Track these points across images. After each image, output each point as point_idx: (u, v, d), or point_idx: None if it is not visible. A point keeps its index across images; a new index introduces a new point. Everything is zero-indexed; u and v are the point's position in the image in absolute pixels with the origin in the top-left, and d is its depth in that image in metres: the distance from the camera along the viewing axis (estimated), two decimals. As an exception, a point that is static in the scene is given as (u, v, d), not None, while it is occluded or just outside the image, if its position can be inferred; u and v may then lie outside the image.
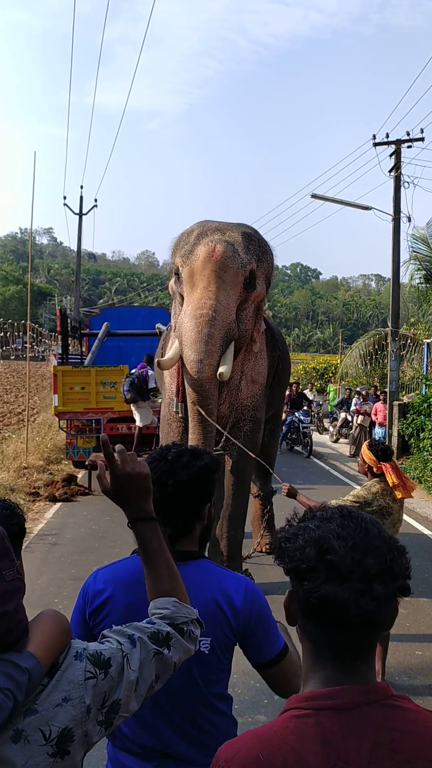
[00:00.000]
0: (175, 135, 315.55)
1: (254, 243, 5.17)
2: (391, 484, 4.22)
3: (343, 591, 1.02)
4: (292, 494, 4.04)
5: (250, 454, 5.13)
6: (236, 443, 5.16)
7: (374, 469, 4.30)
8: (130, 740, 1.69)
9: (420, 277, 16.86)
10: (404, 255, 14.83)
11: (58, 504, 9.20)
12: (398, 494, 4.22)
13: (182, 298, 5.09)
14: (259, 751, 1.00)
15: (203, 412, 4.82)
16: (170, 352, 5.15)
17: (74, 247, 29.31)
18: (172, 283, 5.36)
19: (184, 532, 1.76)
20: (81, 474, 10.82)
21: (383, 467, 4.26)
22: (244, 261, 4.94)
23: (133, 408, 9.75)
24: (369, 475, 4.36)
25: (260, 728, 1.08)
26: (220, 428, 5.01)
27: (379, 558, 1.05)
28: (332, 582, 1.03)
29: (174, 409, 5.49)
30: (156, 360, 5.36)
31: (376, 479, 4.29)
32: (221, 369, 4.76)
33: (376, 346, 18.93)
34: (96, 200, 25.86)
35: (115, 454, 1.41)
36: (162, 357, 6.25)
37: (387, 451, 4.34)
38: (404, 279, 16.25)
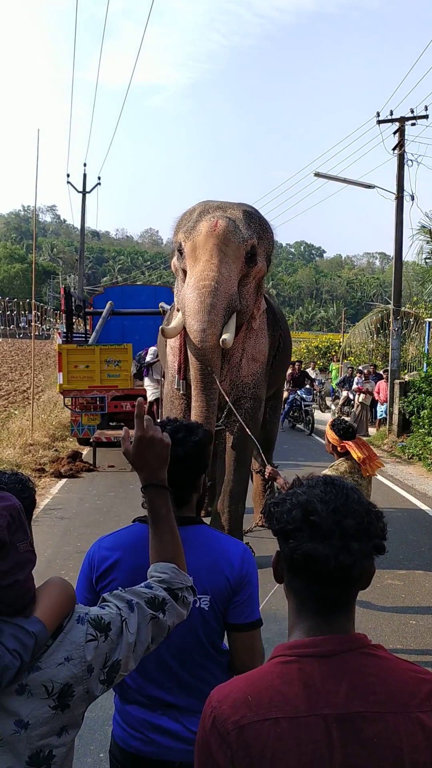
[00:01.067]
0: (178, 111, 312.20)
1: (255, 221, 5.27)
2: (357, 459, 4.32)
3: (324, 547, 1.13)
4: (272, 477, 4.17)
5: (248, 431, 5.24)
6: (238, 419, 5.27)
7: (338, 448, 4.41)
8: (136, 692, 1.83)
9: (429, 251, 16.78)
10: (407, 233, 14.83)
11: (64, 480, 9.36)
12: (365, 471, 4.34)
13: (184, 273, 5.17)
14: (248, 692, 1.12)
15: (209, 370, 4.89)
16: (174, 322, 5.22)
17: (78, 225, 29.21)
18: (174, 260, 5.43)
19: (182, 502, 1.89)
20: (86, 451, 10.98)
21: (346, 445, 4.36)
22: (245, 236, 5.04)
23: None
24: (335, 454, 4.47)
25: (248, 673, 1.20)
26: (224, 393, 5.06)
27: (357, 519, 1.16)
28: (315, 540, 1.14)
29: (176, 387, 5.61)
30: (160, 327, 5.41)
31: (342, 458, 4.40)
32: (224, 336, 4.84)
33: (378, 325, 18.97)
34: (99, 178, 25.70)
35: (144, 419, 1.50)
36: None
37: (349, 430, 4.41)
38: (407, 257, 16.22)
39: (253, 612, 1.85)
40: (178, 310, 5.30)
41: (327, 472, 4.33)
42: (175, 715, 1.80)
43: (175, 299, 5.70)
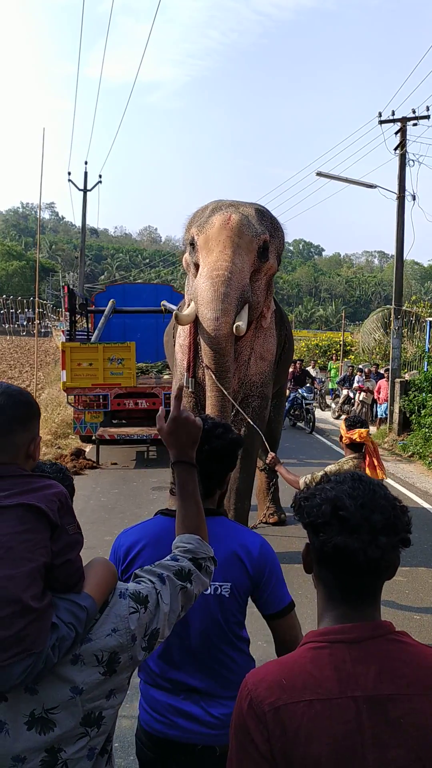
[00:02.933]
0: (176, 108, 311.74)
1: (267, 219, 5.34)
2: (360, 438, 4.43)
3: (353, 541, 1.20)
4: (273, 464, 4.32)
5: (255, 427, 5.30)
6: (245, 417, 5.32)
7: (344, 439, 4.53)
8: (160, 676, 1.91)
9: None
10: (408, 233, 14.88)
11: (67, 477, 9.39)
12: (368, 472, 4.40)
13: (196, 268, 5.20)
14: (282, 676, 1.19)
15: (220, 372, 4.93)
16: (187, 310, 5.21)
17: (76, 222, 29.27)
18: (186, 255, 5.46)
19: (206, 494, 1.97)
20: (89, 448, 11.04)
21: (350, 434, 4.49)
22: (258, 231, 5.09)
23: None
24: (345, 449, 4.59)
25: (281, 658, 1.27)
26: (230, 397, 5.09)
27: (384, 515, 1.23)
28: (344, 534, 1.21)
29: (185, 384, 5.65)
30: (174, 314, 5.35)
31: (351, 455, 4.51)
32: (238, 323, 4.87)
33: (379, 324, 19.05)
34: (100, 176, 25.74)
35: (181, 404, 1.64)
36: (173, 337, 6.41)
37: (357, 423, 4.58)
38: (408, 257, 16.28)
39: (283, 598, 1.94)
40: (189, 299, 5.31)
41: (332, 467, 4.44)
42: (197, 699, 1.88)
43: (185, 294, 5.74)
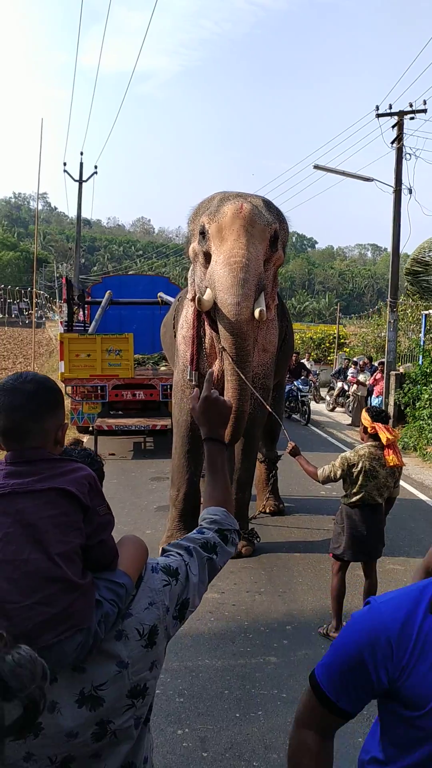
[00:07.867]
0: (169, 97, 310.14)
1: (273, 209, 5.35)
2: (385, 441, 4.46)
3: None
4: (295, 453, 4.42)
5: (268, 408, 5.36)
6: (262, 401, 5.34)
7: (368, 429, 4.57)
8: None
9: None
10: (404, 227, 14.89)
11: (66, 468, 9.41)
12: (389, 461, 4.44)
13: (205, 257, 5.19)
14: None
15: (241, 357, 4.94)
16: (207, 296, 5.14)
17: (69, 213, 29.14)
18: (194, 244, 5.40)
19: None
20: (86, 439, 11.06)
21: (376, 426, 4.52)
22: (269, 220, 5.11)
23: None
24: (365, 436, 4.62)
25: None
26: (249, 383, 5.11)
27: None
28: None
29: (188, 377, 5.68)
30: (196, 298, 5.20)
31: (368, 443, 4.55)
32: (259, 308, 4.89)
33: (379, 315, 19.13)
34: (96, 167, 25.67)
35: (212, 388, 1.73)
36: (174, 327, 6.44)
37: (381, 414, 4.61)
38: (403, 250, 16.34)
39: None
40: (192, 299, 5.28)
41: (347, 453, 4.53)
42: None
43: (189, 284, 5.71)
